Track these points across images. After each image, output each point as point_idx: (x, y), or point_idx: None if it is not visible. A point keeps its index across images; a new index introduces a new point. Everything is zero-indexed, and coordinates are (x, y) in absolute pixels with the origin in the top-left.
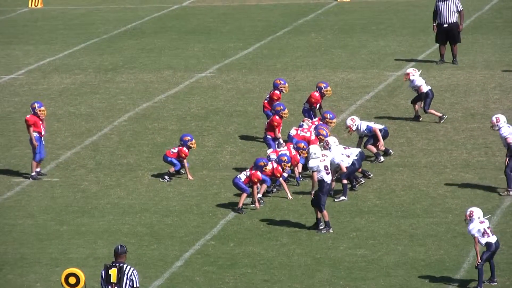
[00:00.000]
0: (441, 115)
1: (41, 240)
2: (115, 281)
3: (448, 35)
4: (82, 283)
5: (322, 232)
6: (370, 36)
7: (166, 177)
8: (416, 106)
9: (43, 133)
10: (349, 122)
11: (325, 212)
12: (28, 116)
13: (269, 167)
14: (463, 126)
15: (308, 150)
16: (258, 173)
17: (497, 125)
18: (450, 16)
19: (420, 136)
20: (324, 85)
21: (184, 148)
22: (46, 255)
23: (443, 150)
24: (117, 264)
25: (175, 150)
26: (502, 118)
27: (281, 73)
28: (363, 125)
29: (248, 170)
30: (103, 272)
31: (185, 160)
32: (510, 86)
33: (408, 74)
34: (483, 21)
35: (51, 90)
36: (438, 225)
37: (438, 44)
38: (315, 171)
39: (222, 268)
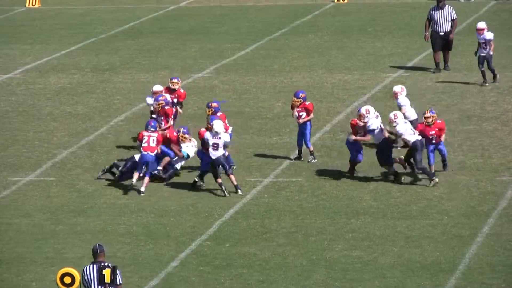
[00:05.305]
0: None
1: (37, 239)
2: (109, 281)
3: (443, 43)
4: (77, 283)
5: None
6: (367, 37)
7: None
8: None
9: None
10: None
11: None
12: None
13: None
14: (459, 127)
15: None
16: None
17: (367, 116)
18: (445, 25)
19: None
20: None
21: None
22: (42, 255)
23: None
24: (109, 264)
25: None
26: (371, 110)
27: (278, 74)
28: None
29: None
30: (93, 273)
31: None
32: (506, 88)
33: None
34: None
35: (48, 89)
36: (434, 226)
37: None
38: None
39: (218, 269)
